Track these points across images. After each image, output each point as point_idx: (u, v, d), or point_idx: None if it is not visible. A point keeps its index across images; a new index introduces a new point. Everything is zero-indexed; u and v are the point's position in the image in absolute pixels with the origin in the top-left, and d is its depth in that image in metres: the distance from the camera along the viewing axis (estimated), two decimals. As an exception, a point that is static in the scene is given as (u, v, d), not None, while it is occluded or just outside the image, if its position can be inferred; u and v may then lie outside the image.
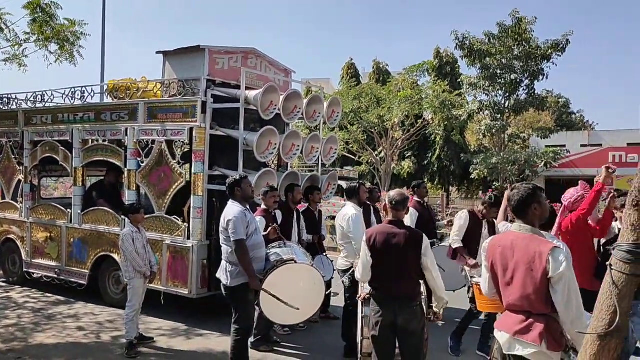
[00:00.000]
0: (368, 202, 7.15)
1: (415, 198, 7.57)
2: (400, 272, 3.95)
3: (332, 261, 6.87)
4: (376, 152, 23.44)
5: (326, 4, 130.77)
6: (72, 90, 8.10)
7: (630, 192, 2.46)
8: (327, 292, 6.17)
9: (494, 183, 20.84)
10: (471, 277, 5.75)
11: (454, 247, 6.10)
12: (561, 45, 18.66)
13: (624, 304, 2.45)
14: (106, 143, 7.71)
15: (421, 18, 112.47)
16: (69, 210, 8.04)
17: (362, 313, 4.40)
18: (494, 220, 6.27)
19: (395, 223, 4.06)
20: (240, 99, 6.64)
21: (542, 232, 3.15)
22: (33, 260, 8.44)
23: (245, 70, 6.89)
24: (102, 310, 7.37)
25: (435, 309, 4.24)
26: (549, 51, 18.70)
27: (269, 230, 5.72)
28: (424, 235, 4.06)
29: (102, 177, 8.98)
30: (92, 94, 7.99)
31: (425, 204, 7.72)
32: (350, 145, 23.44)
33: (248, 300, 5.09)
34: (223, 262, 5.18)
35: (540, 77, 19.24)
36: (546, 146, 22.36)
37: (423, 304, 4.11)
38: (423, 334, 4.05)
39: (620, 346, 2.53)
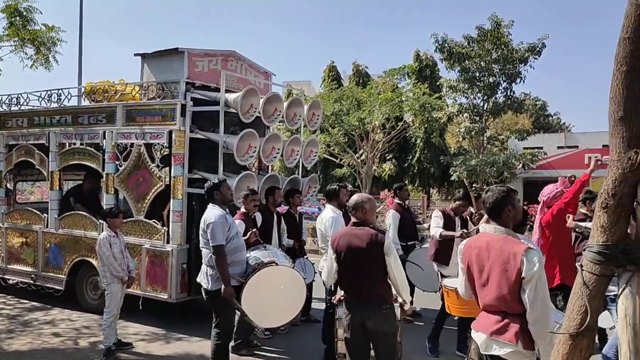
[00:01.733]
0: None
1: (397, 200, 7.62)
2: (365, 274, 3.93)
3: (313, 264, 6.86)
4: (357, 155, 23.49)
5: (307, 7, 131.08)
6: (49, 92, 7.97)
7: (600, 195, 2.51)
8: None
9: (474, 185, 21.04)
10: (441, 279, 5.84)
11: (438, 236, 6.19)
12: (537, 49, 18.93)
13: (594, 304, 2.49)
14: (83, 146, 7.60)
15: (401, 21, 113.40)
16: (45, 214, 7.89)
17: (336, 315, 4.41)
18: (466, 217, 6.47)
19: (358, 224, 4.03)
20: (220, 102, 6.60)
21: (516, 233, 3.19)
22: (8, 266, 8.26)
23: (225, 72, 6.85)
24: (79, 316, 7.25)
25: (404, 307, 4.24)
26: (526, 54, 18.96)
27: (248, 234, 5.68)
28: (387, 233, 4.06)
29: (80, 182, 8.85)
30: (69, 96, 7.88)
31: (407, 206, 7.77)
32: (332, 148, 23.46)
33: (228, 304, 5.05)
34: (203, 266, 5.14)
35: (518, 80, 19.49)
36: (524, 148, 22.66)
37: (396, 306, 4.10)
38: (396, 337, 4.03)
39: (592, 345, 2.57)
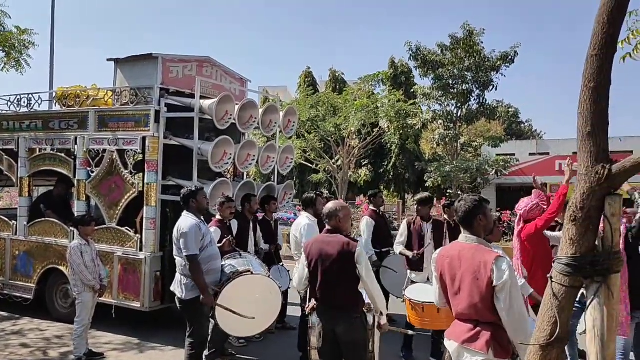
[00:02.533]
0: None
1: (371, 207, 7.66)
2: (335, 281, 3.93)
3: (288, 271, 6.84)
4: (333, 160, 23.56)
5: (283, 12, 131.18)
6: (18, 97, 7.80)
7: (569, 208, 2.57)
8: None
9: (448, 190, 21.29)
10: (408, 285, 5.89)
11: (398, 253, 6.36)
12: (509, 57, 19.30)
13: (564, 315, 2.54)
14: (54, 152, 7.45)
15: (379, 27, 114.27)
16: (13, 221, 7.71)
17: (309, 323, 4.41)
18: (453, 222, 6.55)
19: (331, 232, 4.04)
20: (194, 108, 6.55)
21: (488, 243, 3.24)
22: (-26, 274, 8.03)
23: (200, 79, 6.80)
24: (49, 326, 7.08)
25: (378, 319, 4.24)
26: (498, 62, 19.31)
27: (223, 242, 5.64)
28: (359, 241, 4.08)
29: (51, 188, 8.67)
30: (40, 101, 7.72)
31: (381, 213, 7.82)
32: (308, 154, 23.48)
33: (203, 314, 5.01)
34: (177, 275, 5.08)
35: (490, 88, 19.83)
36: (497, 155, 23.02)
37: (368, 314, 4.10)
38: (366, 346, 4.03)
39: (561, 355, 2.62)
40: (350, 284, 3.94)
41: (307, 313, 4.30)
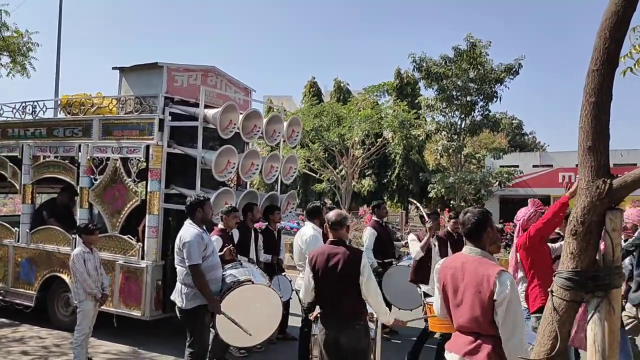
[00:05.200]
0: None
1: (374, 218, 7.64)
2: (340, 291, 3.96)
3: (290, 281, 6.83)
4: (337, 170, 23.59)
5: (291, 22, 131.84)
6: (23, 104, 7.85)
7: (569, 222, 2.56)
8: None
9: (451, 202, 21.24)
10: (424, 296, 5.86)
11: (421, 250, 6.24)
12: (514, 69, 19.34)
13: (564, 330, 2.53)
14: (58, 159, 7.49)
15: (384, 38, 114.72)
16: (16, 228, 7.72)
17: (312, 332, 4.41)
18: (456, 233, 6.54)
19: (336, 243, 4.06)
20: (198, 117, 6.58)
21: (492, 255, 3.23)
22: (-24, 280, 8.04)
23: (204, 88, 6.83)
24: (49, 334, 7.07)
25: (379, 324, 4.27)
26: (502, 74, 19.34)
27: (224, 251, 5.64)
28: (364, 253, 4.09)
29: (54, 195, 8.69)
30: (45, 108, 7.77)
31: (384, 224, 7.80)
32: (312, 163, 23.52)
33: (203, 323, 4.99)
34: (178, 284, 5.07)
35: (495, 100, 19.85)
36: (500, 166, 23.00)
37: (370, 323, 4.14)
38: (367, 354, 4.07)
39: None
40: (355, 293, 3.98)
41: (311, 320, 4.31)
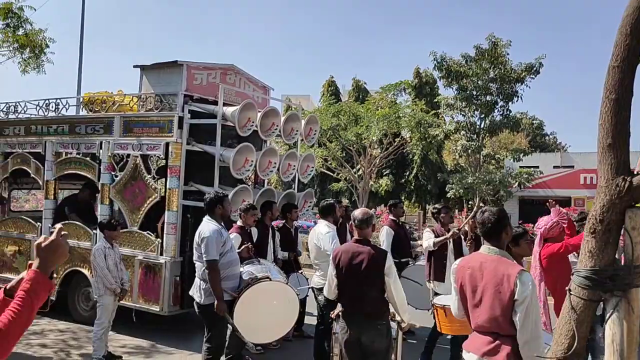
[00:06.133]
0: (343, 220, 7.19)
1: (391, 217, 7.63)
2: (364, 290, 3.98)
3: (307, 279, 6.84)
4: (354, 170, 23.52)
5: (309, 21, 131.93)
6: (47, 102, 8.00)
7: (588, 220, 2.53)
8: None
9: (470, 202, 21.07)
10: (433, 297, 5.85)
11: (432, 245, 6.26)
12: (535, 68, 19.08)
13: (582, 329, 2.50)
14: (80, 156, 7.61)
15: (403, 38, 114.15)
16: (39, 223, 7.87)
17: (333, 330, 4.43)
18: (463, 233, 6.54)
19: (361, 242, 4.08)
20: (217, 115, 6.63)
21: (510, 255, 3.21)
22: (0, 275, 8.21)
23: (223, 86, 6.89)
24: (68, 327, 7.19)
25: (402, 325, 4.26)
26: (523, 74, 19.10)
27: (242, 248, 5.68)
28: (388, 254, 4.09)
29: (75, 191, 8.83)
30: (67, 106, 7.92)
31: (401, 223, 7.78)
32: (329, 162, 23.49)
33: (221, 319, 5.03)
34: (196, 280, 5.13)
35: (515, 99, 19.62)
36: (520, 167, 22.73)
37: (392, 322, 4.15)
38: (388, 353, 4.08)
39: None
40: (378, 293, 4.01)
41: (331, 319, 4.33)
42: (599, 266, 2.48)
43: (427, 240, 6.39)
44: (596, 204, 2.49)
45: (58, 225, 1.93)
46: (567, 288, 2.65)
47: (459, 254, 5.98)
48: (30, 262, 1.75)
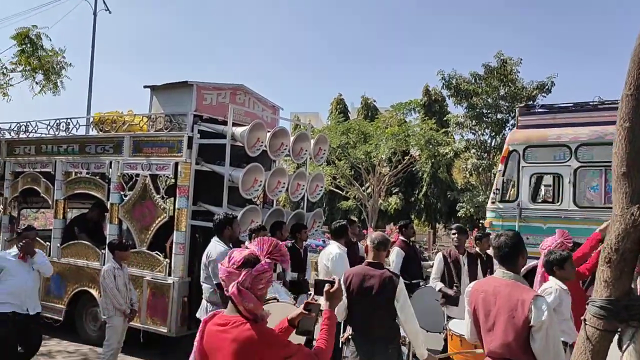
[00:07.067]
0: (354, 240, 7.14)
1: (402, 237, 7.55)
2: (374, 313, 3.95)
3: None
4: (363, 188, 23.49)
5: (317, 39, 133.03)
6: (57, 121, 8.07)
7: (603, 249, 2.49)
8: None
9: (481, 221, 20.90)
10: (447, 321, 5.77)
11: (437, 290, 6.16)
12: (546, 87, 19.07)
13: (598, 359, 2.44)
14: (89, 176, 7.64)
15: (411, 56, 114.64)
16: (47, 242, 7.88)
17: (343, 353, 4.37)
18: (484, 254, 6.47)
19: (374, 265, 4.06)
20: (227, 135, 6.64)
21: (524, 280, 3.16)
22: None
23: (233, 106, 6.91)
24: (76, 348, 7.15)
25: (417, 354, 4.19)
26: (534, 92, 19.09)
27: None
28: (400, 279, 4.05)
29: (84, 210, 8.85)
30: (77, 126, 7.97)
31: (411, 243, 7.71)
32: (338, 180, 23.49)
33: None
34: (203, 302, 5.10)
35: (526, 118, 19.55)
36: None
37: (403, 346, 4.12)
38: None
39: None
40: (389, 317, 3.98)
41: (341, 342, 4.28)
42: (614, 296, 2.43)
43: (433, 277, 6.33)
44: (611, 232, 2.44)
45: (336, 278, 2.93)
46: (582, 318, 2.59)
47: (473, 276, 5.90)
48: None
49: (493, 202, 8.60)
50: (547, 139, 8.26)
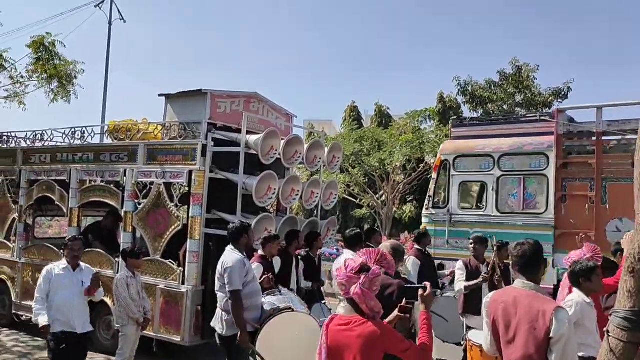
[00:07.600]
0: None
1: (417, 246, 7.44)
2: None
3: (330, 309, 6.68)
4: (377, 196, 23.35)
5: (332, 46, 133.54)
6: (72, 130, 8.10)
7: (626, 259, 2.41)
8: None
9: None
10: (466, 331, 5.64)
11: (463, 289, 6.08)
12: (562, 93, 18.89)
13: None
14: (104, 184, 7.64)
15: (426, 63, 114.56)
16: (62, 251, 7.87)
17: None
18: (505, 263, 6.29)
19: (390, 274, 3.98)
20: (241, 143, 6.61)
21: (544, 290, 3.08)
22: (22, 302, 8.21)
23: (247, 114, 6.88)
24: (90, 357, 7.09)
25: None
26: (550, 98, 18.91)
27: (263, 279, 5.57)
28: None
29: (98, 219, 8.86)
30: (92, 134, 8.00)
31: (427, 253, 7.59)
32: (352, 188, 23.38)
33: (243, 350, 4.92)
34: (218, 311, 5.04)
35: (542, 124, 19.37)
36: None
37: None
38: None
39: None
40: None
41: None
42: (638, 307, 2.34)
43: (458, 281, 6.21)
44: (635, 242, 2.35)
45: (427, 283, 3.29)
46: (605, 329, 2.49)
47: (493, 286, 5.78)
48: None
49: (427, 209, 9.32)
50: (474, 149, 8.96)
